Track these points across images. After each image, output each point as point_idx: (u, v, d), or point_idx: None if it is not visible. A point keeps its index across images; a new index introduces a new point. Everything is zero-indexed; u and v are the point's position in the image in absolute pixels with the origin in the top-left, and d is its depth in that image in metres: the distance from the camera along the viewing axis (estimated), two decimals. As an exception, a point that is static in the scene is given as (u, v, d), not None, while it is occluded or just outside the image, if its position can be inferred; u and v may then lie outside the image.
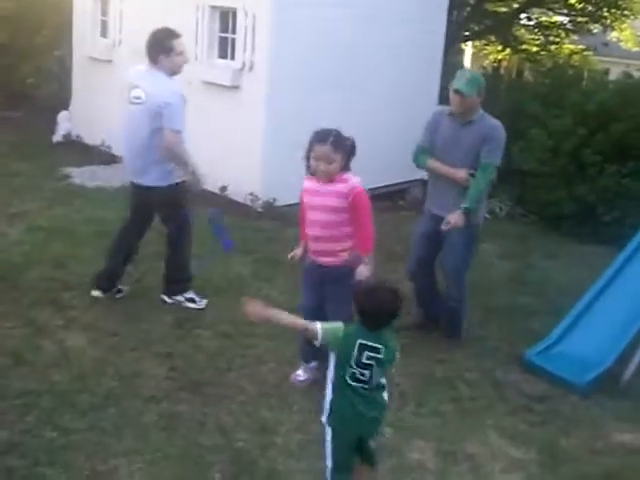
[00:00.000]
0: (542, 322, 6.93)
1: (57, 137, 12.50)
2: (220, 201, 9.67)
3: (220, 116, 9.87)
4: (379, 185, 9.81)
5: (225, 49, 9.91)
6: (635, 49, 18.39)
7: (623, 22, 17.74)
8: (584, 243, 9.56)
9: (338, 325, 4.08)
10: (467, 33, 17.48)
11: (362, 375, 3.98)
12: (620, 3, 16.88)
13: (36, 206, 9.05)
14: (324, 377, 5.31)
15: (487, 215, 10.12)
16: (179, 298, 6.76)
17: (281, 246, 8.29)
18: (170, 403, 5.20)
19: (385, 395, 4.16)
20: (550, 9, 17.60)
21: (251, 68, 9.44)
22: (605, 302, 6.54)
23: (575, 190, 10.03)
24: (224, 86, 9.67)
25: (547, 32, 17.92)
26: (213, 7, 9.95)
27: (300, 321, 4.23)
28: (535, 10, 17.99)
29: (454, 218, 5.96)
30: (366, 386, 4.01)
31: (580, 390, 5.85)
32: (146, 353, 5.85)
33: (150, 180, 6.37)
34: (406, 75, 10.72)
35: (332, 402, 4.12)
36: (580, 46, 18.58)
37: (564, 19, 17.88)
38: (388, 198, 10.16)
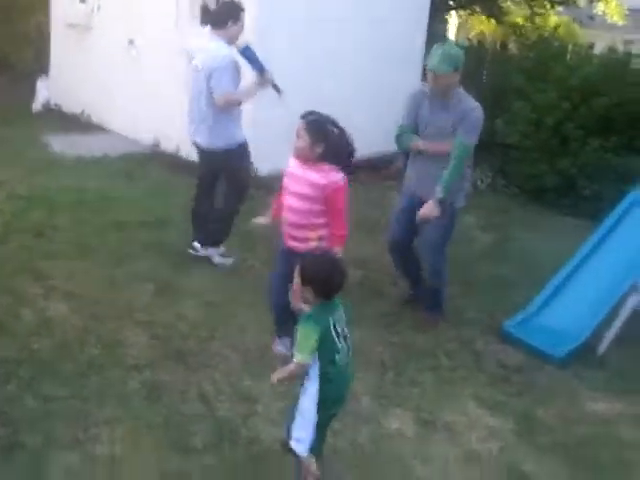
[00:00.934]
0: (521, 294, 6.97)
1: (36, 105, 12.41)
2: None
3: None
4: (363, 155, 9.81)
5: (206, 16, 9.80)
6: (621, 23, 18.35)
7: (609, -6, 17.67)
8: (564, 216, 9.63)
9: (303, 330, 3.85)
10: (451, 2, 17.36)
11: (346, 346, 3.97)
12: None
13: (15, 175, 8.99)
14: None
15: (466, 195, 10.21)
16: (211, 251, 7.00)
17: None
18: (152, 372, 5.22)
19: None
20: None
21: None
22: (583, 275, 6.60)
23: (557, 163, 10.07)
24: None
25: (532, 3, 17.82)
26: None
27: (289, 369, 3.94)
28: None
29: (428, 210, 5.94)
30: (349, 354, 4.01)
31: (557, 361, 5.92)
32: (128, 321, 5.85)
33: (212, 143, 6.83)
34: (391, 46, 10.70)
35: (328, 391, 3.99)
36: (565, 17, 18.52)
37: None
38: (372, 168, 10.16)
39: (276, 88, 6.69)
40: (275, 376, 3.94)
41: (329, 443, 4.36)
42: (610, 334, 6.16)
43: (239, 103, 6.69)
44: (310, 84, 9.55)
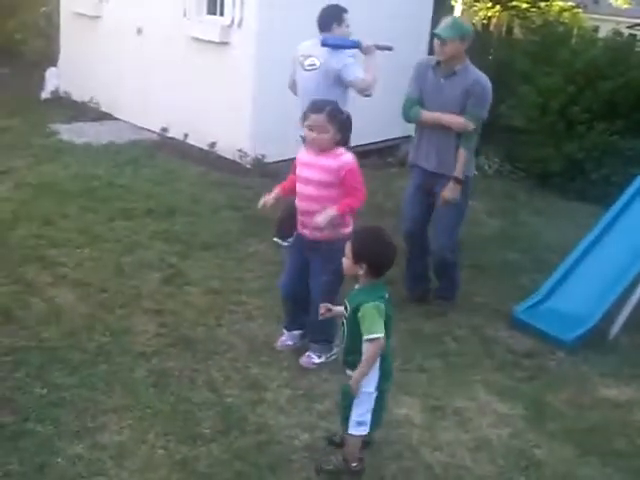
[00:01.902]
0: (530, 279, 6.97)
1: (45, 94, 12.39)
2: (209, 157, 9.66)
3: (209, 72, 9.81)
4: (369, 142, 9.79)
5: (214, 5, 9.79)
6: (625, 6, 18.24)
7: (614, -22, 17.60)
8: (571, 200, 9.59)
9: (376, 309, 3.91)
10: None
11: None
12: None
13: (24, 163, 8.99)
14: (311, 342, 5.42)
15: (475, 172, 10.14)
16: None
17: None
18: (160, 359, 5.22)
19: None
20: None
21: (240, 24, 9.34)
22: (592, 259, 6.57)
23: (563, 147, 10.02)
24: (213, 42, 9.59)
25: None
26: (201, -38, 9.85)
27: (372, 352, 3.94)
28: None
29: (449, 193, 5.95)
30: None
31: (567, 346, 5.90)
32: (136, 309, 5.85)
33: None
34: (396, 32, 10.62)
35: (387, 367, 4.11)
36: (570, 3, 18.43)
37: (554, -26, 17.70)
38: (378, 155, 10.14)
39: (383, 47, 7.02)
40: (361, 370, 3.94)
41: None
42: (620, 318, 6.13)
43: (373, 83, 6.87)
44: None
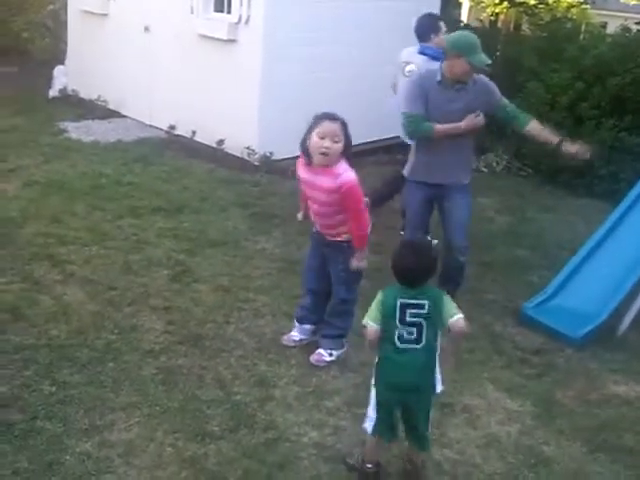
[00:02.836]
0: (539, 275, 6.96)
1: (53, 92, 12.40)
2: (217, 155, 9.66)
3: (216, 70, 9.81)
4: (377, 139, 9.78)
5: (221, 2, 9.78)
6: (633, 2, 18.20)
7: (621, -26, 17.59)
8: (580, 197, 9.56)
9: (376, 299, 4.02)
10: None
11: (410, 334, 3.94)
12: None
13: (32, 161, 9.00)
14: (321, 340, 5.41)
15: (484, 169, 10.13)
16: None
17: (277, 200, 8.34)
18: (169, 357, 5.23)
19: (436, 363, 4.07)
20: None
21: (247, 21, 9.33)
22: (601, 256, 6.55)
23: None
24: (220, 40, 9.58)
25: (545, -16, 17.72)
26: (209, -41, 9.85)
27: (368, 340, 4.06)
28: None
29: (573, 149, 6.26)
30: (417, 346, 3.94)
31: (576, 343, 5.88)
32: (144, 307, 5.86)
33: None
34: (403, 28, 10.59)
35: (377, 365, 4.10)
36: (578, -1, 18.44)
37: (562, -30, 17.67)
38: (385, 152, 10.10)
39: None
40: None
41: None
42: (629, 315, 6.12)
43: None
44: (321, 68, 9.53)
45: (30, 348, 5.15)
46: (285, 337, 5.58)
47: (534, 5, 17.68)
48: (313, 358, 5.36)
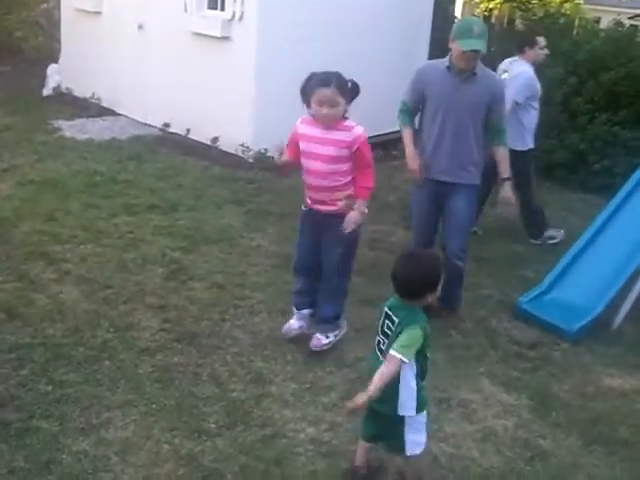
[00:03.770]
0: (534, 270, 6.97)
1: (47, 90, 12.40)
2: (211, 152, 9.67)
3: (211, 67, 9.81)
4: (372, 135, 9.76)
5: (215, 0, 9.79)
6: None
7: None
8: (574, 191, 9.58)
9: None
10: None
11: (381, 342, 3.93)
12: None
13: (27, 160, 8.99)
14: (317, 325, 5.42)
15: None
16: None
17: (272, 197, 8.35)
18: (164, 355, 5.22)
19: (407, 393, 3.88)
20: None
21: (241, 18, 9.33)
22: (596, 250, 6.57)
23: (566, 139, 10.01)
24: (214, 37, 9.58)
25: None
26: (202, -44, 9.85)
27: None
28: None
29: (508, 195, 6.06)
30: (381, 357, 3.89)
31: (571, 337, 5.90)
32: (140, 305, 5.85)
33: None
34: (398, 24, 10.63)
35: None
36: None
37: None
38: (381, 148, 10.10)
39: None
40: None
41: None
42: (624, 308, 6.14)
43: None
44: (315, 64, 9.51)
45: (26, 347, 5.14)
46: (285, 327, 5.58)
47: (527, 0, 17.70)
48: (312, 344, 5.37)
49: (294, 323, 5.58)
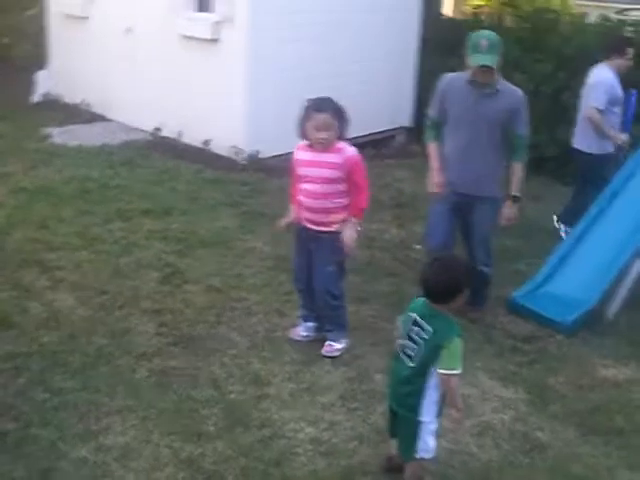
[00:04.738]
0: (528, 264, 6.99)
1: (36, 97, 12.34)
2: (203, 155, 9.66)
3: (201, 70, 9.80)
4: (363, 134, 9.78)
5: (205, 2, 9.78)
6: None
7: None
8: (566, 185, 9.57)
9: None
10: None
11: (409, 349, 3.91)
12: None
13: (18, 168, 8.96)
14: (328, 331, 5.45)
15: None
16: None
17: (266, 198, 8.35)
18: (162, 359, 5.23)
19: (429, 399, 3.94)
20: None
21: (231, 20, 9.33)
22: (588, 242, 6.59)
23: (556, 133, 10.03)
24: (204, 39, 9.57)
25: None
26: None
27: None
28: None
29: (511, 214, 6.00)
30: (411, 364, 3.89)
31: (565, 329, 5.92)
32: (135, 310, 5.86)
33: (578, 143, 7.93)
34: (386, 24, 10.63)
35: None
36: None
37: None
38: (372, 146, 10.12)
39: (620, 150, 7.66)
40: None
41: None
42: (617, 300, 6.17)
43: (596, 125, 7.58)
44: (305, 64, 9.52)
45: (22, 355, 5.14)
46: (293, 331, 5.63)
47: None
48: (324, 350, 5.41)
49: (301, 330, 5.62)
